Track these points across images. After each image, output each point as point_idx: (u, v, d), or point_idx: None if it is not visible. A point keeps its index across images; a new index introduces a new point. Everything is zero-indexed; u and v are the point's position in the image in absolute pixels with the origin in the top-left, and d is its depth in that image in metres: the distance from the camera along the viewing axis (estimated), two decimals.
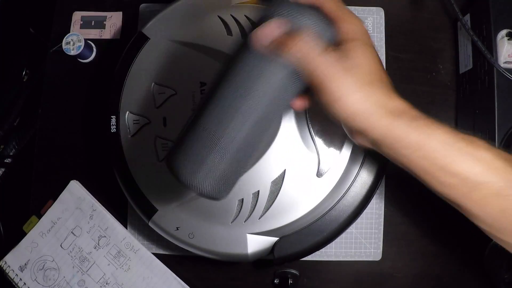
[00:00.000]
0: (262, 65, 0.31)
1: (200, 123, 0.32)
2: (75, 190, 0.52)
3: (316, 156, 0.44)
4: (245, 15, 0.45)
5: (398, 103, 0.32)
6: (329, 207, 0.44)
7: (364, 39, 0.33)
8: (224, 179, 0.32)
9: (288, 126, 0.44)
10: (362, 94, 0.31)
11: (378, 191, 0.48)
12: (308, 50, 0.30)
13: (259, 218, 0.43)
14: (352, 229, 0.51)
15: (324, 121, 0.44)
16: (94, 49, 0.55)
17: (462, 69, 0.52)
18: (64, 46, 0.52)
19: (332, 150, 0.44)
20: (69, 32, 0.55)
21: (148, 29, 0.46)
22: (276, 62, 0.31)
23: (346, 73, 0.30)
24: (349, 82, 0.30)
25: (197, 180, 0.31)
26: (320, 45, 0.31)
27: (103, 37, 0.55)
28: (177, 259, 0.51)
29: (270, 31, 0.31)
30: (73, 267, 0.51)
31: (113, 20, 0.56)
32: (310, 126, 0.44)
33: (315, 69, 0.30)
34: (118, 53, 0.47)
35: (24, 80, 0.63)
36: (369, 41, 0.33)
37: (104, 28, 0.56)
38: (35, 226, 0.51)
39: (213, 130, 0.31)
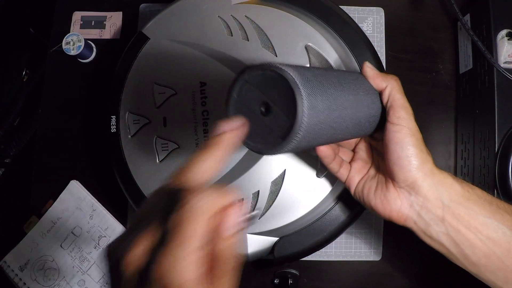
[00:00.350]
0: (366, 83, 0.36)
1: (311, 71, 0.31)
2: (75, 190, 0.52)
3: (316, 156, 0.44)
4: (245, 15, 0.45)
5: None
6: (329, 207, 0.44)
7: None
8: (312, 124, 0.28)
9: None
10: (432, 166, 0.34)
11: None
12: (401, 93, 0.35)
13: (259, 218, 0.43)
14: (352, 229, 0.51)
15: None
16: (94, 49, 0.55)
17: (462, 69, 0.52)
18: (64, 46, 0.52)
19: None
20: (69, 32, 0.55)
21: (148, 29, 0.46)
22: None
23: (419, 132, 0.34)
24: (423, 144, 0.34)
25: (303, 94, 0.27)
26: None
27: (103, 37, 0.55)
28: None
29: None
30: (73, 267, 0.51)
31: (113, 20, 0.56)
32: None
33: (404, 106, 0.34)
34: (118, 53, 0.47)
35: (24, 80, 0.63)
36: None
37: (104, 28, 0.56)
38: (35, 226, 0.51)
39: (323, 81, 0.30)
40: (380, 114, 0.36)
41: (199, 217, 0.22)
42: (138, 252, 0.22)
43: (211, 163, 0.26)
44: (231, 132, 0.27)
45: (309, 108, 0.27)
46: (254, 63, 0.44)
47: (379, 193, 0.36)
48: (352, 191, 0.39)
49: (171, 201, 0.23)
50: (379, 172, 0.37)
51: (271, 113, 0.28)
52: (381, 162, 0.37)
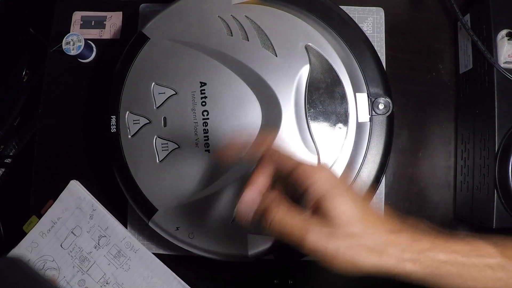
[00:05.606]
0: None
1: None
2: (75, 190, 0.52)
3: (316, 156, 0.44)
4: (245, 15, 0.45)
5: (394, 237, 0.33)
6: None
7: (331, 191, 0.32)
8: None
9: (288, 127, 0.44)
10: (354, 247, 0.33)
11: (378, 191, 0.48)
12: (290, 225, 0.32)
13: None
14: None
15: (324, 122, 0.44)
16: (94, 49, 0.55)
17: (462, 69, 0.52)
18: (64, 46, 0.52)
19: (332, 151, 0.44)
20: (69, 32, 0.55)
21: (148, 29, 0.46)
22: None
23: (333, 235, 0.32)
24: (339, 243, 0.33)
25: None
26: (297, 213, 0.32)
27: (103, 37, 0.55)
28: (177, 259, 0.51)
29: (249, 203, 0.32)
30: (73, 267, 0.51)
31: (113, 20, 0.56)
32: (310, 127, 0.44)
33: (304, 240, 0.32)
34: (118, 53, 0.47)
35: (24, 80, 0.63)
36: (338, 189, 0.32)
37: (104, 28, 0.56)
38: (35, 226, 0.51)
39: None
40: None
41: None
42: None
43: None
44: None
45: None
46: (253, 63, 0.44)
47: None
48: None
49: None
50: None
51: None
52: None
